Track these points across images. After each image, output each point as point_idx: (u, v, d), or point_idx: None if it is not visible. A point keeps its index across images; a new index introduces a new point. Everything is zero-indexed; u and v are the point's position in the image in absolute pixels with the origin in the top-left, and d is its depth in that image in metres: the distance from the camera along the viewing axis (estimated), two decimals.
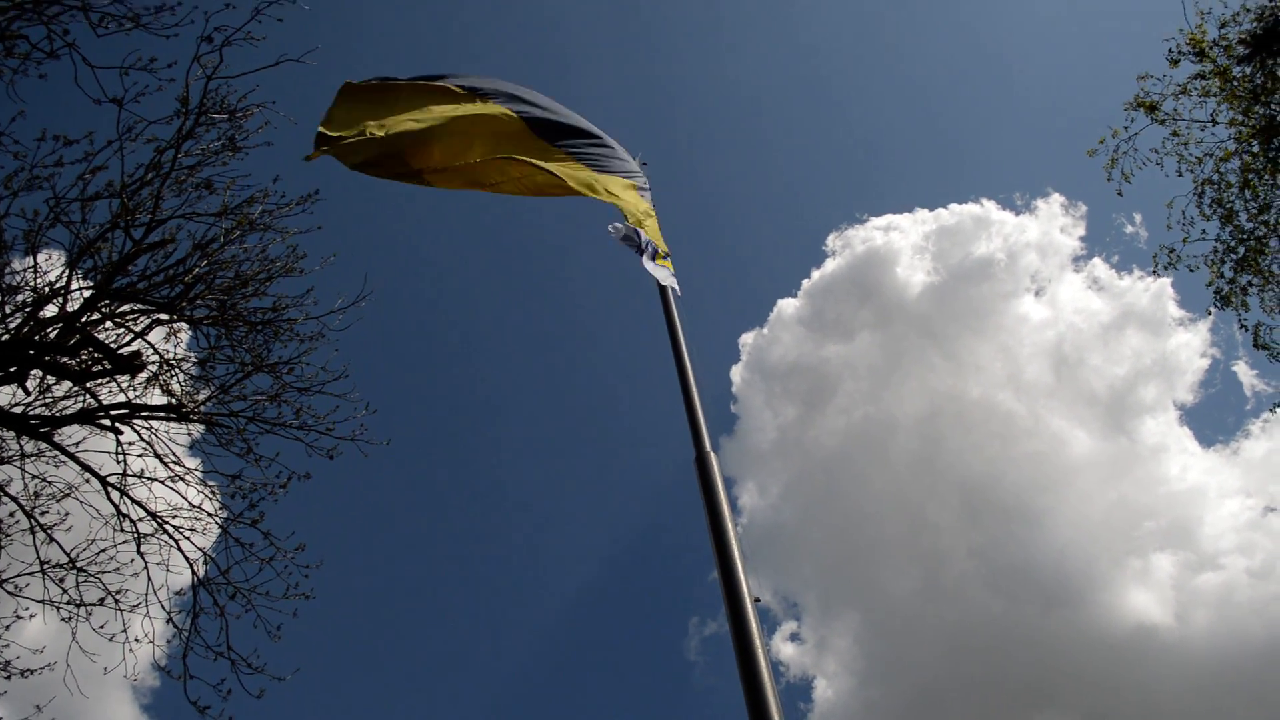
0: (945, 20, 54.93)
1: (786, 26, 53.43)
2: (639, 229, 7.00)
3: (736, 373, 39.41)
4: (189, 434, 9.72)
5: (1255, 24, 10.75)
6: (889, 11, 54.91)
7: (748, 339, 41.73)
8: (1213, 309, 11.37)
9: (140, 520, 9.30)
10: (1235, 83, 10.92)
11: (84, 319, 8.89)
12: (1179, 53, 11.13)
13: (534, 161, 6.76)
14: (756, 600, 3.74)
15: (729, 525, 4.06)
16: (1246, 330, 11.39)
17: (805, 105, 54.72)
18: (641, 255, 7.01)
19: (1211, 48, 11.00)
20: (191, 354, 9.82)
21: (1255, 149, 10.99)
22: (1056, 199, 40.35)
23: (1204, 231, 11.53)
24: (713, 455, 4.26)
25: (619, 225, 7.07)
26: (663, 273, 6.88)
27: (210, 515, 9.50)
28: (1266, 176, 10.95)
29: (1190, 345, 36.79)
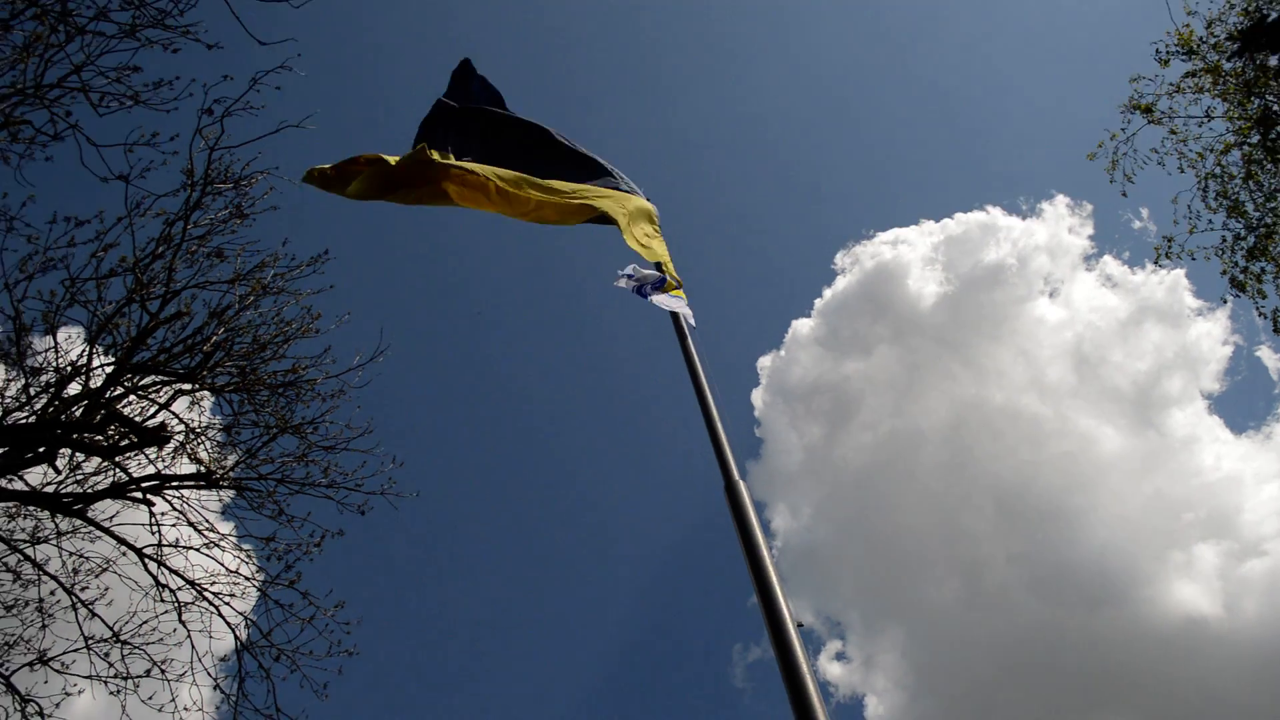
0: (934, 33, 55.74)
1: (782, 53, 54.73)
2: (656, 263, 7.06)
3: (757, 396, 39.27)
4: (220, 500, 9.79)
5: (1242, 19, 10.84)
6: (880, 31, 55.80)
7: (765, 362, 41.56)
8: (1229, 297, 11.33)
9: (179, 589, 9.35)
10: (1227, 78, 10.99)
11: (108, 395, 9.00)
12: (1169, 52, 11.22)
13: (551, 186, 6.82)
14: (799, 625, 3.73)
15: (764, 552, 4.06)
16: (1266, 318, 11.34)
17: (803, 127, 55.19)
18: (651, 293, 7.07)
19: (1200, 45, 11.09)
20: (216, 420, 9.91)
21: (1254, 139, 11.02)
22: (1062, 200, 40.35)
23: (1210, 223, 11.54)
24: (742, 484, 4.23)
25: (629, 274, 7.12)
26: (677, 303, 6.92)
27: (248, 579, 9.54)
28: (1269, 165, 10.97)
29: (1211, 334, 36.60)
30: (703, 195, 52.11)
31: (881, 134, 55.20)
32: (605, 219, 6.83)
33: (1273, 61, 10.26)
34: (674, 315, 6.69)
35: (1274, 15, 10.14)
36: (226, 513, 9.91)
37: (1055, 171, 50.22)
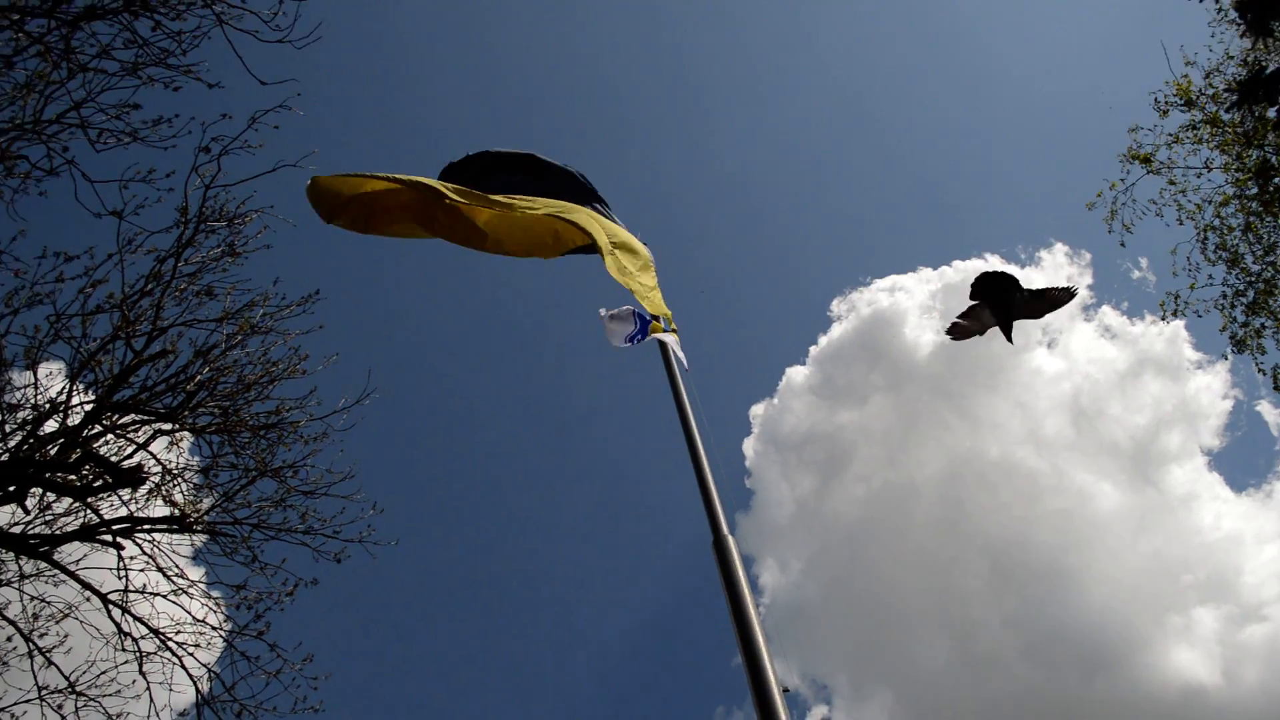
0: (933, 77, 54.81)
1: (778, 96, 54.14)
2: (640, 300, 6.86)
3: (749, 445, 38.24)
4: (192, 544, 9.49)
5: (1241, 70, 10.84)
6: (878, 75, 54.95)
7: (758, 410, 40.42)
8: (1229, 353, 11.18)
9: (142, 638, 9.00)
10: (1226, 129, 10.95)
11: (85, 433, 8.77)
12: (1168, 102, 11.20)
13: (532, 209, 6.57)
14: (785, 690, 3.49)
15: (751, 611, 3.83)
16: (1266, 374, 11.17)
17: (799, 172, 54.34)
18: (635, 335, 6.86)
19: (1199, 96, 11.07)
20: (194, 462, 9.66)
21: (1253, 191, 10.95)
22: (1060, 249, 39.79)
23: (1210, 276, 11.42)
24: (731, 538, 4.07)
25: (619, 315, 6.93)
26: (671, 340, 6.72)
27: (214, 629, 9.20)
28: (1268, 218, 10.89)
29: (1211, 388, 35.75)
30: (696, 239, 50.95)
31: (879, 180, 54.57)
32: (589, 248, 6.62)
33: (1271, 113, 10.23)
34: (665, 356, 6.40)
35: (1272, 67, 10.14)
36: (198, 558, 9.61)
37: (1054, 220, 49.68)
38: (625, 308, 7.04)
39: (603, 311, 7.02)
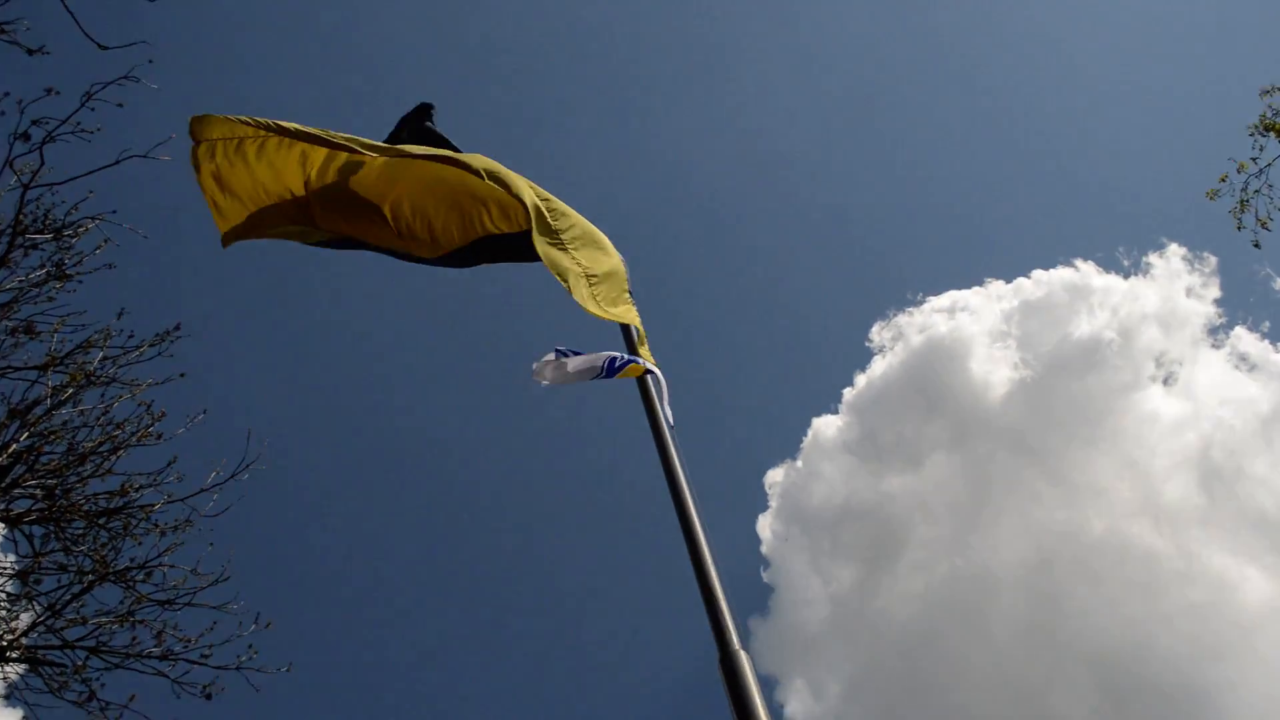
0: (1003, 40, 40.22)
1: (807, 65, 40.39)
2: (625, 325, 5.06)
3: (765, 525, 28.11)
4: (4, 678, 6.95)
5: None
6: (934, 41, 40.55)
7: (776, 477, 29.45)
8: None
9: None
10: None
11: None
12: None
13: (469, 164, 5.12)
14: None
15: None
16: None
17: (823, 160, 39.34)
18: (609, 372, 4.81)
19: None
20: (8, 563, 7.16)
21: None
22: (1176, 252, 31.01)
23: None
24: (743, 654, 3.14)
25: (563, 352, 4.84)
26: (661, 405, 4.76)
27: None
28: None
29: None
30: (681, 245, 37.21)
31: (933, 169, 39.86)
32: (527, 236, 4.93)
33: None
34: (648, 404, 4.71)
35: None
36: (11, 697, 7.05)
37: (1166, 214, 36.54)
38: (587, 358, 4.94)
39: (551, 358, 4.93)
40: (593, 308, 4.93)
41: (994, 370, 29.15)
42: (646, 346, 5.22)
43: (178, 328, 7.62)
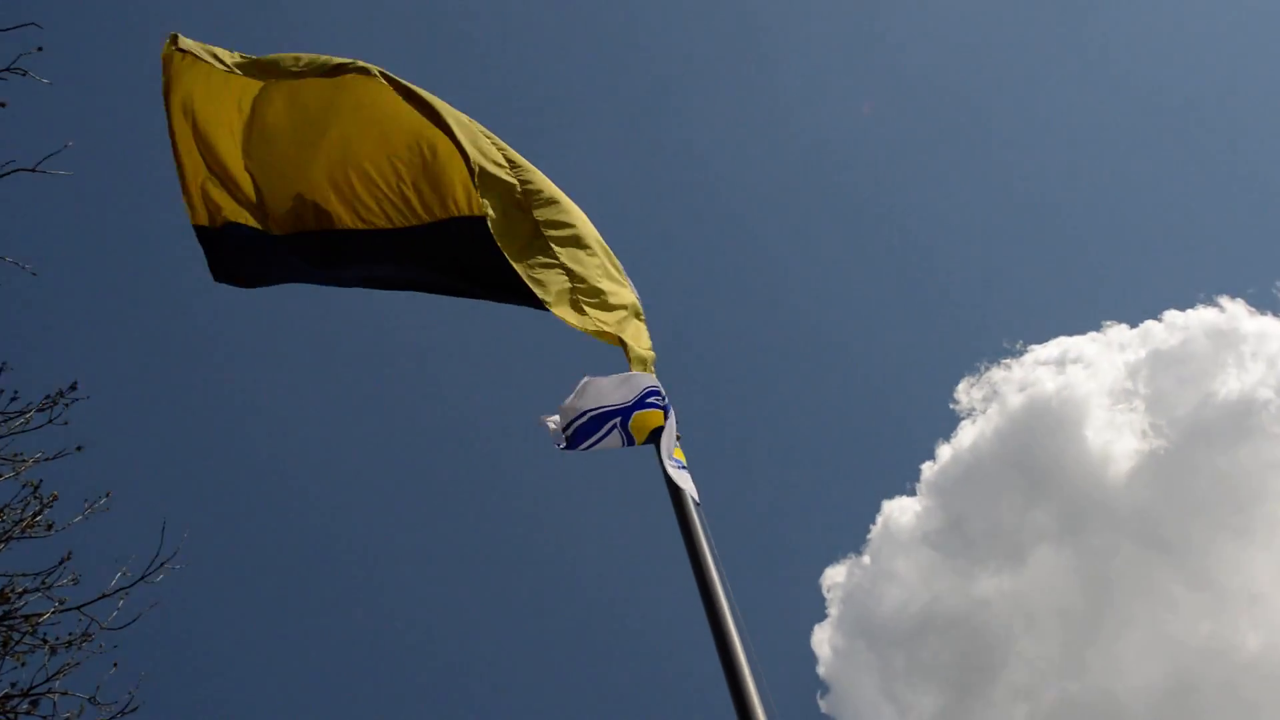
0: (1139, 26, 32.05)
1: (887, 67, 35.35)
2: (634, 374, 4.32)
3: (822, 638, 22.49)
4: None
5: None
6: (1040, 36, 33.09)
7: (837, 577, 23.70)
8: None
9: None
10: None
11: None
12: None
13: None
14: None
15: None
16: None
17: (893, 177, 31.74)
18: (609, 429, 4.10)
19: None
20: None
21: None
22: None
23: None
24: None
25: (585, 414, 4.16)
26: (678, 472, 4.10)
27: None
28: None
29: None
30: (712, 279, 29.93)
31: (1038, 179, 31.77)
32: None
33: None
34: (672, 486, 3.96)
35: None
36: None
37: None
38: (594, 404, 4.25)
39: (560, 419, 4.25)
40: (572, 318, 4.14)
41: (1116, 440, 22.54)
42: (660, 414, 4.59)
43: (73, 387, 6.27)
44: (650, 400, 4.07)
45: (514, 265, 4.01)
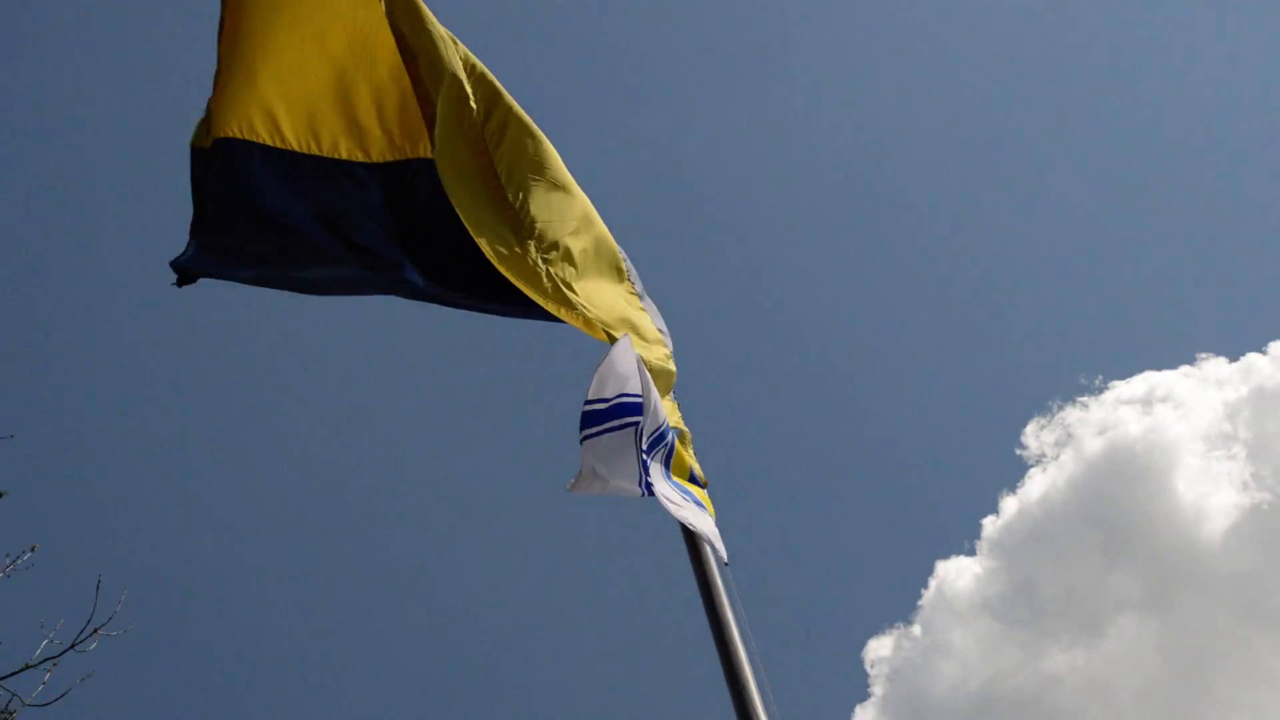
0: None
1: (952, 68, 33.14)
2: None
3: (866, 719, 20.81)
4: None
5: None
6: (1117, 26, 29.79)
7: (881, 650, 20.42)
8: None
9: None
10: None
11: None
12: None
13: None
14: None
15: None
16: None
17: (949, 189, 28.00)
18: (648, 479, 3.45)
19: None
20: None
21: None
22: None
23: None
24: None
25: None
26: (699, 517, 3.51)
27: None
28: None
29: None
30: (748, 311, 25.84)
31: (1122, 190, 28.37)
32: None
33: None
34: (689, 537, 3.46)
35: None
36: None
37: None
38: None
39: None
40: (535, 292, 3.29)
41: (1212, 492, 19.49)
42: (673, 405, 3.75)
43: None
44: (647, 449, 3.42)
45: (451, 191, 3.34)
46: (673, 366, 3.76)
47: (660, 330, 3.84)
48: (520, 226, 3.41)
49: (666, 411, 3.63)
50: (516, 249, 3.40)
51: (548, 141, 3.74)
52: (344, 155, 3.64)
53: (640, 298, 3.83)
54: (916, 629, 20.32)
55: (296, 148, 3.57)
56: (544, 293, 3.30)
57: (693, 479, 3.80)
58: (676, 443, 3.57)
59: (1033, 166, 26.18)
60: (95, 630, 5.51)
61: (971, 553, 21.86)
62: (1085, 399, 22.43)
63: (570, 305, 3.34)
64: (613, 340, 3.21)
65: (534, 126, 3.72)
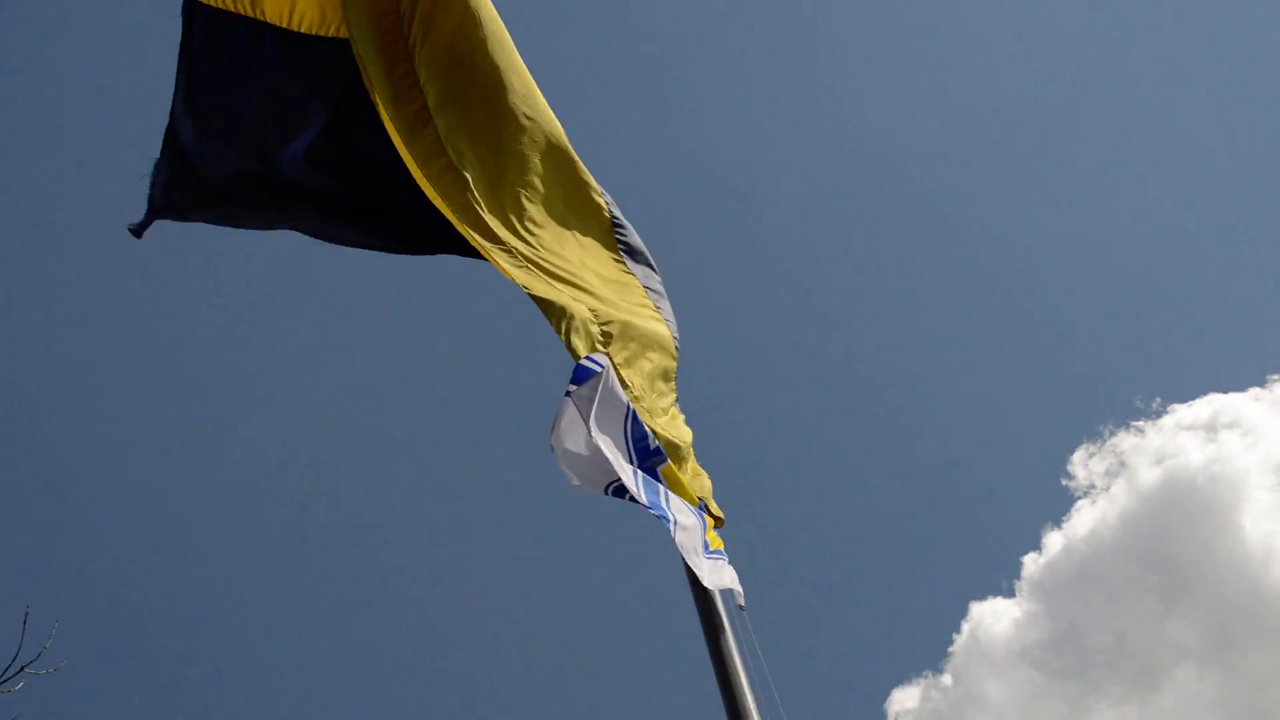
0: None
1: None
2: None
3: None
4: None
5: None
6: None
7: (907, 702, 19.21)
8: None
9: None
10: None
11: None
12: None
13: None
14: None
15: None
16: None
17: (988, 193, 26.37)
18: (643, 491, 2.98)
19: None
20: None
21: None
22: None
23: None
24: None
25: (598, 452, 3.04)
26: (718, 568, 2.99)
27: None
28: None
29: None
30: (766, 328, 24.37)
31: (1183, 193, 27.29)
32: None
33: None
34: (693, 581, 3.02)
35: None
36: None
37: None
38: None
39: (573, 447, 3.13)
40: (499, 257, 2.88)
41: None
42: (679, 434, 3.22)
43: None
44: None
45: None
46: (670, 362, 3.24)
47: (663, 320, 3.31)
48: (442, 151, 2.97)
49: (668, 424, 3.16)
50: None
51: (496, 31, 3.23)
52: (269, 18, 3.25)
53: (625, 260, 3.32)
54: (947, 678, 18.34)
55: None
56: (456, 208, 2.86)
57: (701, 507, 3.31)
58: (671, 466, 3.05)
59: (1087, 165, 23.65)
60: (22, 668, 5.09)
61: (1010, 594, 19.80)
62: (1141, 424, 20.34)
63: (493, 236, 2.87)
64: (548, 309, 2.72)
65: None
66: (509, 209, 2.97)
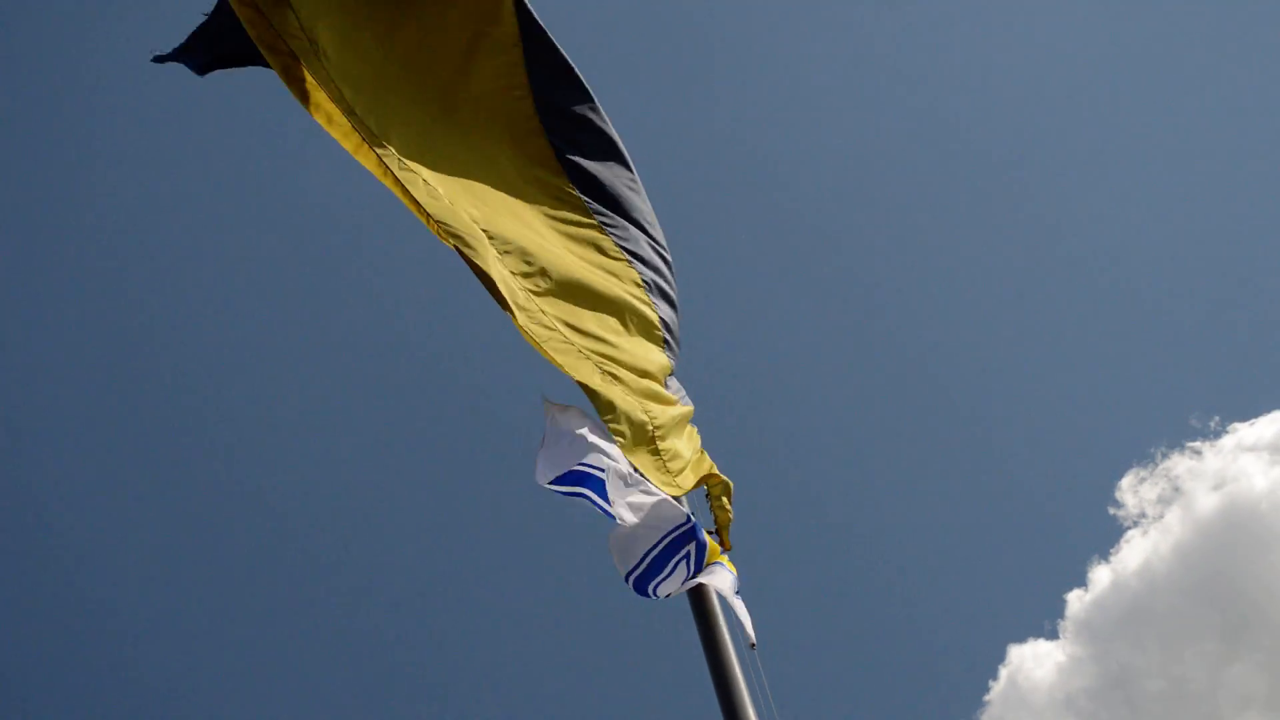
0: None
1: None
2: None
3: None
4: None
5: None
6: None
7: None
8: None
9: None
10: None
11: None
12: None
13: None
14: None
15: None
16: None
17: (1059, 185, 25.83)
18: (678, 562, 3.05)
19: None
20: None
21: None
22: None
23: None
24: None
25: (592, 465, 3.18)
26: (723, 577, 3.00)
27: None
28: None
29: None
30: (788, 343, 22.98)
31: (1243, 194, 25.24)
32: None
33: None
34: (703, 613, 3.07)
35: None
36: None
37: None
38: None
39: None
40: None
41: None
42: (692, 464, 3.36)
43: None
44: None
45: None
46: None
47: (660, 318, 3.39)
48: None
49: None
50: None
51: None
52: None
53: (601, 229, 3.43)
54: None
55: None
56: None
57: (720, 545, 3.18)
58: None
59: (1140, 168, 22.32)
60: None
61: (1053, 635, 18.00)
62: (1197, 444, 18.45)
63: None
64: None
65: None
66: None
